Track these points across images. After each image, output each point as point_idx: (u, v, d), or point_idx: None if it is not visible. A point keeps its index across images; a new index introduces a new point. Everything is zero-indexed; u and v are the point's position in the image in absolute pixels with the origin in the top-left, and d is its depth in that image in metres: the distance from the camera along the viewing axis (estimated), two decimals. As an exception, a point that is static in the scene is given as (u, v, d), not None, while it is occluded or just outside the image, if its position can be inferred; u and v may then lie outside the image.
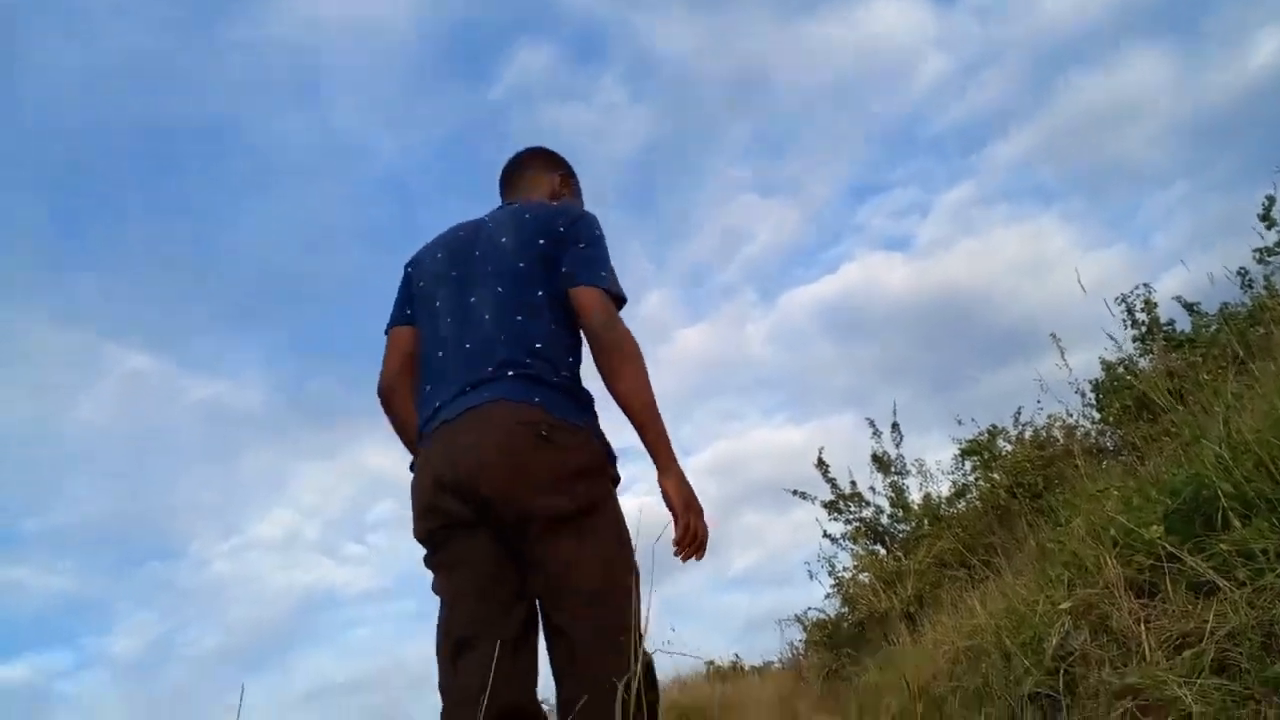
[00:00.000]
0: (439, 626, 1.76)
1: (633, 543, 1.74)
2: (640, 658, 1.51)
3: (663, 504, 1.78)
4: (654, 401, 1.78)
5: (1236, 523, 2.44)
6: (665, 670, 11.94)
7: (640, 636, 1.54)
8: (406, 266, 2.11)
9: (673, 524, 1.76)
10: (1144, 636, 2.29)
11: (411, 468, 1.89)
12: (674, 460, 1.79)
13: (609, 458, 1.84)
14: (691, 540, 1.75)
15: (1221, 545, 2.40)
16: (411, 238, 2.17)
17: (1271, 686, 1.95)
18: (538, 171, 2.22)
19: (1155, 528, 2.54)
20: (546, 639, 1.73)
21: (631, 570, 1.71)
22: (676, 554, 1.75)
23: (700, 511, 1.78)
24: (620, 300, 1.90)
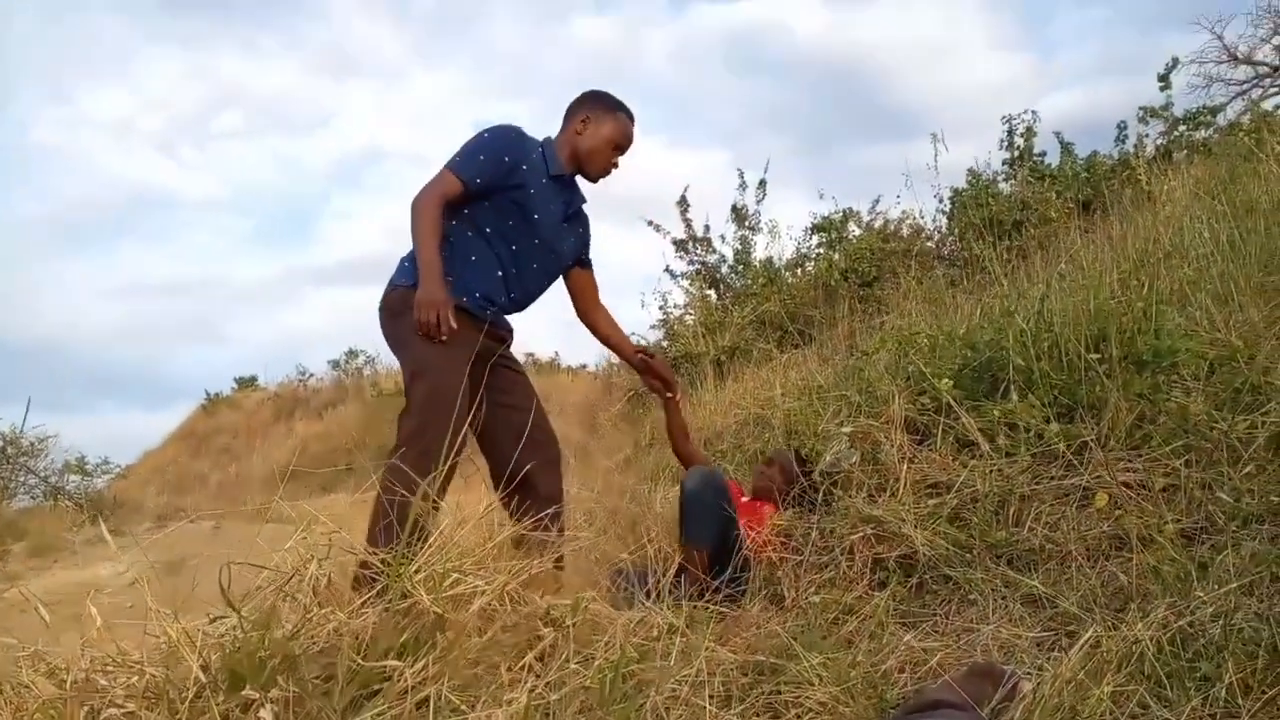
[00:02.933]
0: None
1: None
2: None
3: None
4: (416, 235, 2.34)
5: (1015, 395, 2.67)
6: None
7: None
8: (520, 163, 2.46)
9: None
10: (903, 474, 2.54)
11: None
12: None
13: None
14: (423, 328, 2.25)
15: (994, 411, 2.64)
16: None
17: (989, 548, 2.24)
18: (567, 116, 2.61)
19: (946, 380, 2.74)
20: None
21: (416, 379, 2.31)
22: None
23: (425, 305, 2.24)
24: (453, 173, 2.39)
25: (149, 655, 1.17)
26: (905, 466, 2.58)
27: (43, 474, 8.99)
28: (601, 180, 2.62)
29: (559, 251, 2.56)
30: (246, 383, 16.44)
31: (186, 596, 1.59)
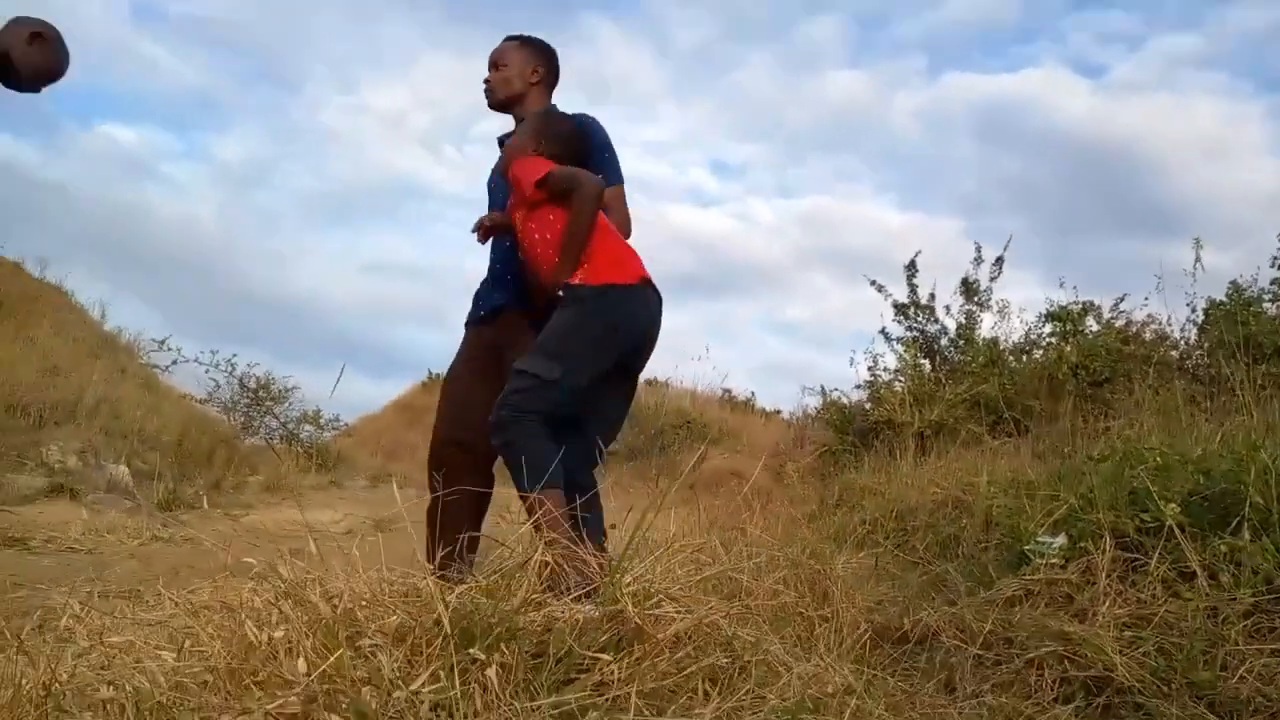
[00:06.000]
0: None
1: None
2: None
3: None
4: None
5: (1247, 533, 2.50)
6: (686, 383, 12.60)
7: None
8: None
9: None
10: (1099, 607, 2.43)
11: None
12: None
13: None
14: None
15: (1221, 546, 2.48)
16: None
17: (1191, 686, 2.12)
18: None
19: (1173, 505, 2.60)
20: None
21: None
22: None
23: None
24: None
25: (397, 600, 1.36)
26: (1113, 584, 2.47)
27: (282, 420, 10.07)
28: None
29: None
30: (465, 369, 17.53)
31: (408, 553, 1.81)
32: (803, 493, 6.66)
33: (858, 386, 8.04)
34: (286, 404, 10.22)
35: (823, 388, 8.72)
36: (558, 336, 2.53)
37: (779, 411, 12.33)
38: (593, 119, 2.92)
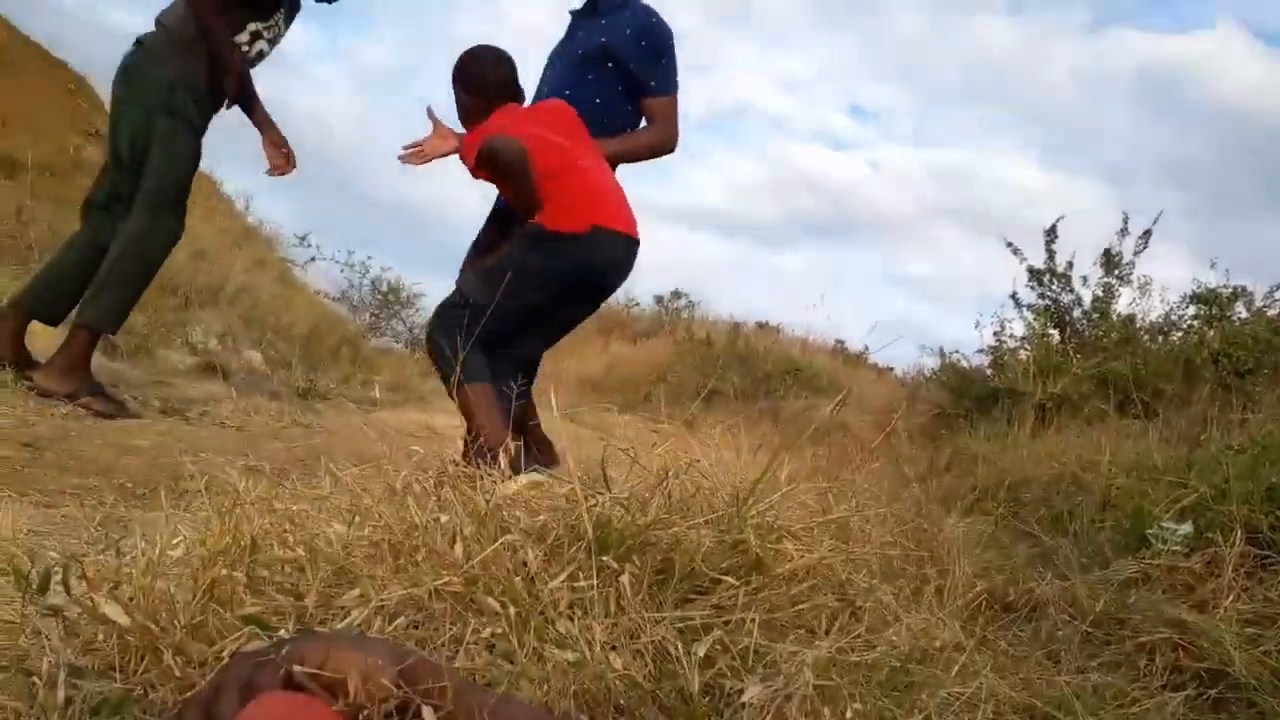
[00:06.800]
0: None
1: None
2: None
3: None
4: None
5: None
6: (796, 331, 12.47)
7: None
8: None
9: None
10: (1222, 600, 2.35)
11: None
12: None
13: None
14: None
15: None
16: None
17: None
18: None
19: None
20: None
21: None
22: None
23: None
24: None
25: (542, 502, 1.44)
26: (1239, 579, 2.39)
27: (408, 324, 10.47)
28: None
29: None
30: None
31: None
32: (911, 455, 6.58)
33: (979, 351, 7.83)
34: (414, 309, 10.61)
35: (941, 349, 8.54)
36: (500, 267, 2.63)
37: (892, 368, 12.11)
38: (657, 19, 2.86)
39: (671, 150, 2.88)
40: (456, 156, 2.75)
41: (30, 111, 8.64)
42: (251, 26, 3.35)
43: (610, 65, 2.84)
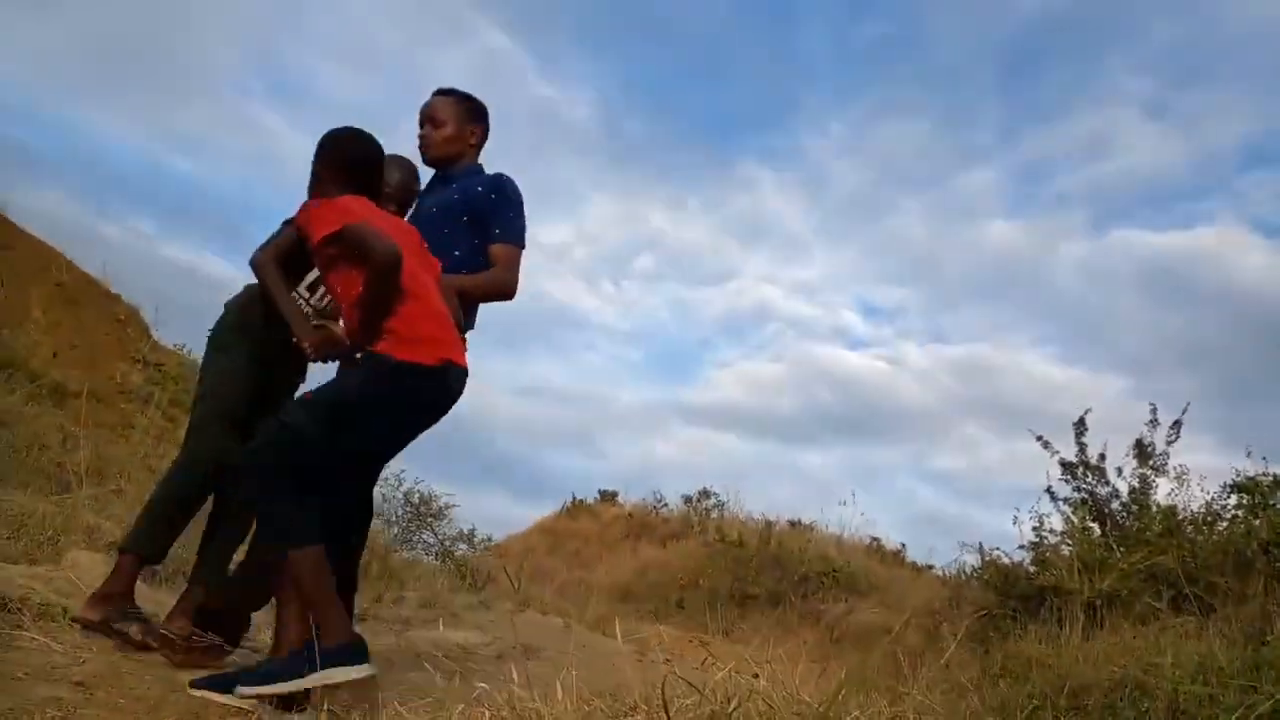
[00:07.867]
0: None
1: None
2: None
3: None
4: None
5: None
6: (833, 529, 12.29)
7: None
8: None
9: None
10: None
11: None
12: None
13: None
14: None
15: None
16: None
17: None
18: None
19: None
20: None
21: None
22: None
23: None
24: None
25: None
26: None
27: (440, 536, 10.42)
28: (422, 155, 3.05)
29: None
30: (608, 496, 17.81)
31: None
32: (959, 659, 6.32)
33: (1020, 547, 7.67)
34: (446, 521, 10.59)
35: (981, 545, 8.36)
36: (338, 398, 2.39)
37: (931, 566, 11.81)
38: (507, 178, 2.95)
39: (510, 297, 2.87)
40: (299, 234, 2.56)
41: (84, 343, 9.08)
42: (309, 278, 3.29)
43: (465, 219, 2.90)
